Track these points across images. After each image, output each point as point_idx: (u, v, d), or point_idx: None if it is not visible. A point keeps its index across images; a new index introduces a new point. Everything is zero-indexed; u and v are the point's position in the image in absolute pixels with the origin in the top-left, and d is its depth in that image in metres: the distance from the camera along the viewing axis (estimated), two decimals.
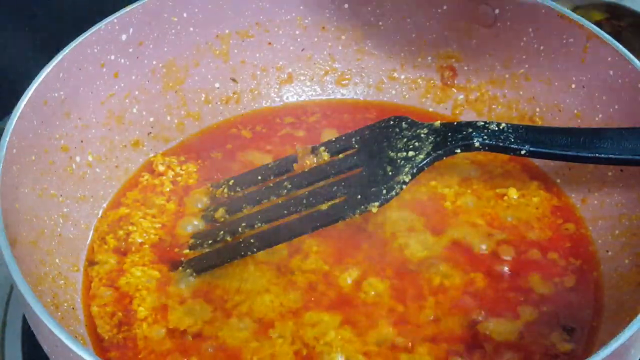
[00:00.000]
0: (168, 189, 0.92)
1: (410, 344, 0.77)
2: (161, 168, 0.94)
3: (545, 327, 0.79)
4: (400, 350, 0.77)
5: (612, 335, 0.66)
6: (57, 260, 0.82)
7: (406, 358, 0.76)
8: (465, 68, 1.01)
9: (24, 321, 0.88)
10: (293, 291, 0.82)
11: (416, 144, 0.85)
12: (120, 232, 0.88)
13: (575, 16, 0.90)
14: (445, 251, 0.85)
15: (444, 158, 0.84)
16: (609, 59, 0.87)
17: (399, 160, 0.84)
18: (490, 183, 0.91)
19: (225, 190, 0.91)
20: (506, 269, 0.83)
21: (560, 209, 0.90)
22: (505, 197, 0.90)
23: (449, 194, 0.90)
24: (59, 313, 0.78)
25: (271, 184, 0.89)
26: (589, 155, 0.81)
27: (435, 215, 0.88)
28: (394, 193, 0.82)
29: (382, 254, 0.85)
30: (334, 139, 0.92)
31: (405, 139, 0.87)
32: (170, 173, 0.94)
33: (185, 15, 0.96)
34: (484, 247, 0.85)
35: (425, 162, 0.83)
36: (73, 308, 0.81)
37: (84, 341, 0.78)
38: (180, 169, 0.95)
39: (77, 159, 0.89)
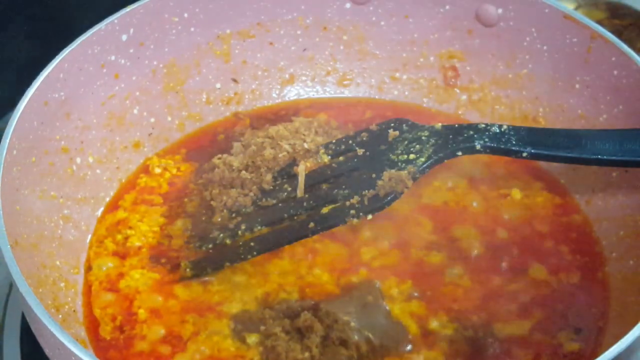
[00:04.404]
0: (165, 191, 0.92)
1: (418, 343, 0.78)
2: (157, 170, 0.94)
3: (552, 327, 0.79)
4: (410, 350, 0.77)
5: (618, 337, 0.65)
6: (57, 263, 0.82)
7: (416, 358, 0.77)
8: (468, 68, 1.00)
9: (23, 321, 0.87)
10: (294, 296, 0.81)
11: (417, 146, 0.85)
12: (119, 236, 0.88)
13: (579, 16, 0.90)
14: (450, 252, 0.85)
15: (445, 161, 0.84)
16: (613, 58, 0.87)
17: (399, 163, 0.84)
18: (494, 183, 0.91)
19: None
20: (512, 269, 0.83)
21: (565, 209, 0.90)
22: (509, 198, 0.90)
23: (452, 195, 0.90)
24: (60, 315, 0.78)
25: (271, 187, 0.88)
26: (591, 157, 0.81)
27: (440, 216, 0.88)
28: (395, 196, 0.81)
29: (386, 256, 0.84)
30: (334, 141, 0.92)
31: (406, 142, 0.86)
32: (167, 174, 0.94)
33: (186, 15, 0.96)
34: (489, 248, 0.85)
35: (426, 165, 0.83)
36: (74, 310, 0.81)
37: (84, 344, 0.78)
38: (178, 170, 0.94)
39: (78, 160, 0.89)
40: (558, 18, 0.91)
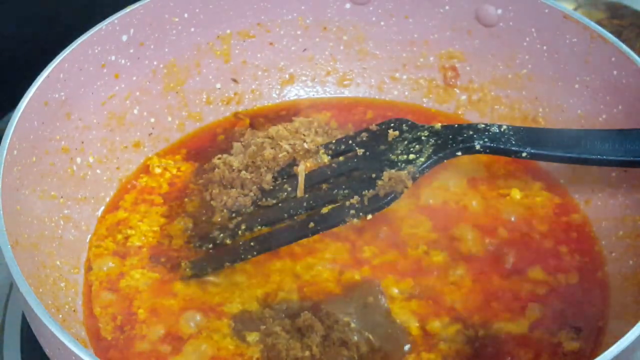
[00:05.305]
0: (165, 191, 0.92)
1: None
2: (157, 170, 0.94)
3: (552, 326, 0.79)
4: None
5: (618, 336, 0.65)
6: (57, 263, 0.82)
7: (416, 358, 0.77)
8: (468, 68, 1.00)
9: (23, 321, 0.87)
10: (294, 296, 0.81)
11: (417, 146, 0.85)
12: (119, 236, 0.88)
13: (579, 16, 0.90)
14: (450, 251, 0.85)
15: (445, 161, 0.84)
16: (613, 59, 0.87)
17: (399, 163, 0.84)
18: (493, 183, 0.91)
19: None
20: (511, 268, 0.83)
21: (564, 209, 0.90)
22: (509, 197, 0.90)
23: (452, 195, 0.90)
24: (60, 315, 0.78)
25: (271, 187, 0.88)
26: (591, 157, 0.81)
27: (439, 215, 0.88)
28: (395, 196, 0.82)
29: (386, 255, 0.85)
30: (333, 141, 0.92)
31: (405, 142, 0.86)
32: (167, 174, 0.94)
33: (186, 15, 0.96)
34: (489, 247, 0.85)
35: (426, 165, 0.83)
36: (74, 310, 0.81)
37: (85, 344, 0.78)
38: (178, 170, 0.94)
39: (78, 160, 0.89)
40: (558, 18, 0.91)
